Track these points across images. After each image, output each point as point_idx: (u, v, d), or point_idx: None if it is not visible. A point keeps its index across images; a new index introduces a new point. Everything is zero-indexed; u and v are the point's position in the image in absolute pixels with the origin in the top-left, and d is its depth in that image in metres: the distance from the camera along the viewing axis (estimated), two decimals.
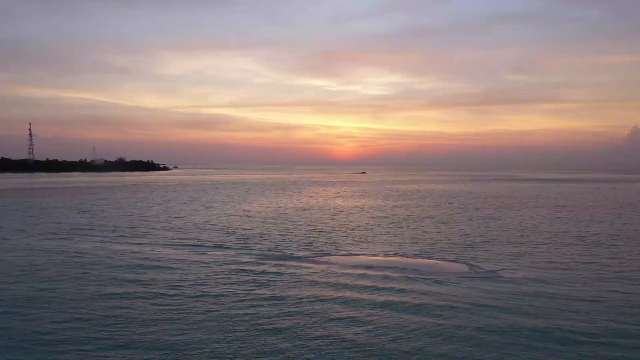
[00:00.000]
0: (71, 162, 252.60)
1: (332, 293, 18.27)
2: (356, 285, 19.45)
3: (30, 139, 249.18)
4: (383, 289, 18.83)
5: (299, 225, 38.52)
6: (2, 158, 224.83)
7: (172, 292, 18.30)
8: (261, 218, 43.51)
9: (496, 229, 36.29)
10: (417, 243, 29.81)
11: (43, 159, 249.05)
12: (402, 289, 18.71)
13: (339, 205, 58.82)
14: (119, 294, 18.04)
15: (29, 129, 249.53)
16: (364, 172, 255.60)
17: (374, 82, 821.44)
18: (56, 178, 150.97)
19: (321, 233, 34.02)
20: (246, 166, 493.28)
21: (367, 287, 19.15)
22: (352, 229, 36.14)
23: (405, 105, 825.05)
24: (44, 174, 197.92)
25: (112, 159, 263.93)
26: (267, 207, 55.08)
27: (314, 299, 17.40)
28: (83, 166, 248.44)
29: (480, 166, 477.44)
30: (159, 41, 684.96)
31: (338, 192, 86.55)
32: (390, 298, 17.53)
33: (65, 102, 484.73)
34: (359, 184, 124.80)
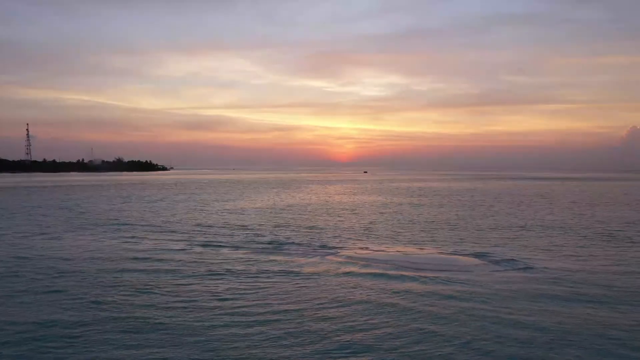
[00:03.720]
0: (69, 163, 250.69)
1: (348, 290, 15.49)
2: (375, 283, 16.63)
3: (28, 140, 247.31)
4: (402, 286, 16.03)
5: (306, 222, 35.74)
6: None
7: (143, 296, 15.50)
8: (264, 215, 40.73)
9: (516, 224, 33.47)
10: (432, 239, 26.99)
11: (41, 159, 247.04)
12: (424, 286, 15.92)
13: (345, 202, 55.99)
14: (73, 299, 15.24)
15: (27, 130, 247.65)
16: (366, 172, 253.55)
17: (373, 83, 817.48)
18: (51, 177, 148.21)
19: (329, 230, 31.23)
20: (245, 167, 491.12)
21: (387, 284, 16.32)
22: (363, 226, 33.30)
23: (404, 106, 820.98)
24: (41, 174, 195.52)
25: (111, 159, 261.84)
26: (269, 204, 52.30)
27: (327, 297, 14.61)
28: (81, 166, 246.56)
29: (480, 167, 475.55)
30: (158, 42, 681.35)
31: (343, 190, 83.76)
32: (412, 295, 14.74)
33: (64, 104, 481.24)
34: (363, 182, 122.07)
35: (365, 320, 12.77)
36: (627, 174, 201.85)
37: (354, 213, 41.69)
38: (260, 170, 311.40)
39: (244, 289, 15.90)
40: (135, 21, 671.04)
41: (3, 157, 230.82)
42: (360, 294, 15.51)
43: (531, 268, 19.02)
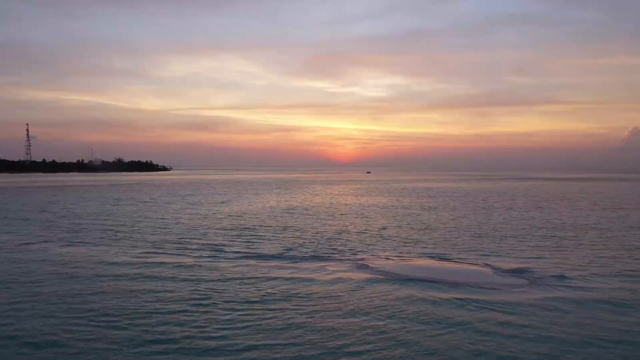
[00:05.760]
0: (69, 163, 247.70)
1: (369, 305, 12.46)
2: (400, 297, 13.48)
3: (28, 140, 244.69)
4: (432, 301, 12.90)
5: (312, 226, 32.54)
6: None
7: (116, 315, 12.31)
8: (267, 219, 37.52)
9: (543, 228, 30.19)
10: (455, 247, 23.75)
11: (41, 160, 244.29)
12: (451, 298, 12.76)
13: (352, 204, 52.71)
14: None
15: (27, 130, 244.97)
16: (369, 172, 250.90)
17: (374, 83, 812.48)
18: (49, 178, 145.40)
19: (338, 235, 28.02)
20: (247, 168, 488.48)
21: (415, 299, 13.21)
22: (376, 231, 30.06)
23: (405, 107, 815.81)
24: (40, 174, 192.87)
25: (112, 160, 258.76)
26: (272, 206, 49.11)
27: (343, 311, 11.49)
28: (80, 167, 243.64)
29: (481, 167, 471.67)
30: (159, 43, 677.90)
31: (348, 192, 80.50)
32: (442, 309, 11.61)
33: (65, 104, 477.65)
34: (368, 183, 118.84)
35: (396, 338, 9.66)
36: (630, 175, 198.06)
37: (363, 216, 38.47)
38: (262, 171, 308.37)
39: (249, 302, 12.81)
40: (136, 22, 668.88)
41: (3, 158, 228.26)
42: (383, 308, 13.02)
43: (580, 282, 15.89)
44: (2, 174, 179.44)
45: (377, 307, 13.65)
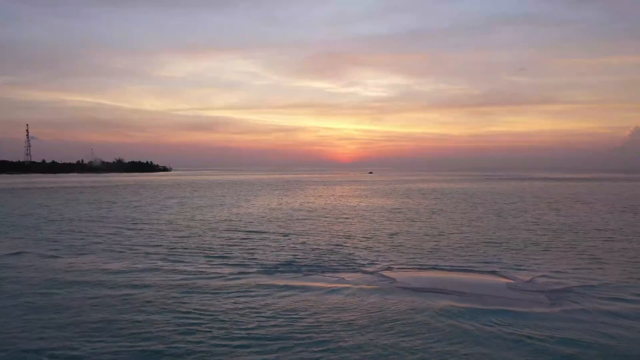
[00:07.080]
0: (69, 164, 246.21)
1: (390, 323, 10.48)
2: (430, 315, 11.53)
3: (28, 141, 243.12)
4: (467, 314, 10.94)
5: (316, 231, 30.54)
6: None
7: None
8: (268, 223, 35.53)
9: (566, 232, 28.17)
10: (474, 254, 21.72)
11: (41, 160, 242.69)
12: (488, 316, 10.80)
13: (357, 206, 50.62)
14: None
15: (27, 130, 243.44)
16: (371, 172, 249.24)
17: (375, 83, 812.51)
18: (48, 179, 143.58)
19: (346, 242, 26.01)
20: (247, 168, 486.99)
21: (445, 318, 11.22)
22: (385, 237, 28.04)
23: (405, 107, 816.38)
24: (40, 175, 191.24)
25: (112, 160, 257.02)
26: (273, 209, 47.10)
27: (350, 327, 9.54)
28: (80, 167, 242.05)
29: (481, 167, 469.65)
30: (160, 44, 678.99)
31: (351, 193, 78.46)
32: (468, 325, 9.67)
33: (66, 105, 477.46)
34: (371, 183, 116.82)
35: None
36: (634, 175, 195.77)
37: (370, 220, 36.42)
38: (262, 171, 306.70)
39: (250, 316, 10.81)
40: (136, 22, 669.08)
41: (2, 159, 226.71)
42: (401, 325, 11.41)
43: (614, 294, 14.46)
44: (1, 175, 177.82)
45: (394, 322, 12.21)
